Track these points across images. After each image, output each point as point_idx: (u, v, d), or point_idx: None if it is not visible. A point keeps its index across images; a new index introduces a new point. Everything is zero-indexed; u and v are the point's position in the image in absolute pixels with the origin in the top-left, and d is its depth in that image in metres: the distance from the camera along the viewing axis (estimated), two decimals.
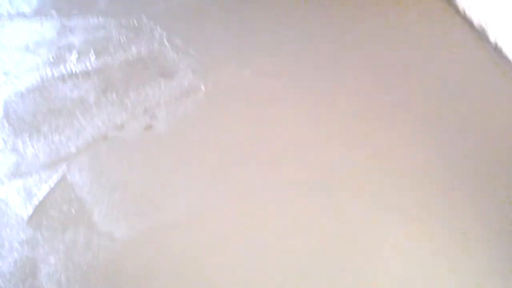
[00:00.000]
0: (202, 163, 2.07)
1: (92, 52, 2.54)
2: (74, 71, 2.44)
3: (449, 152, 2.04)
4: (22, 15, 2.74)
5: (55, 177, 2.00)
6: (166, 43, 2.61)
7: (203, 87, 2.39)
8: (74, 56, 2.51)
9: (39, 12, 2.77)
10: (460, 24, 2.73)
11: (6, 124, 2.19)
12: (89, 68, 2.46)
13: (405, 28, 2.72)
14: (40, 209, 1.89)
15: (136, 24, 2.72)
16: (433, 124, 2.16)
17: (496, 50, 2.52)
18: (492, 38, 2.55)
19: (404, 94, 2.31)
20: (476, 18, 2.69)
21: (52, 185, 1.96)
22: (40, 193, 1.94)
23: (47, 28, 2.67)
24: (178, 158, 2.09)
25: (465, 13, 2.77)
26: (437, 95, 2.30)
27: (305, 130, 2.20)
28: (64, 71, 2.44)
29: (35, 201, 1.91)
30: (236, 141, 2.16)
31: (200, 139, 2.17)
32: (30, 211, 1.89)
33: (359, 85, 2.40)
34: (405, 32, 2.68)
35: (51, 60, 2.49)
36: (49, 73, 2.42)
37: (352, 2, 2.89)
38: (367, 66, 2.49)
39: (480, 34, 2.63)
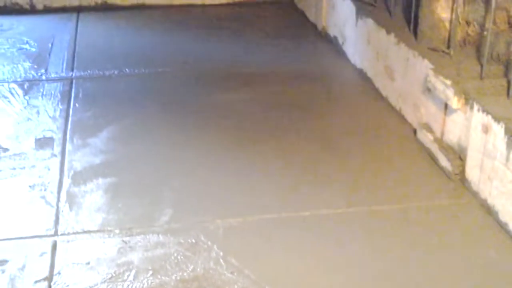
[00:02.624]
0: None
1: (150, 270, 2.60)
2: None
3: None
4: (87, 232, 2.87)
5: None
6: (222, 262, 2.66)
7: None
8: (132, 274, 2.57)
9: (102, 229, 2.89)
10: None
11: None
12: (146, 286, 2.50)
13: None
14: None
15: (194, 242, 2.79)
16: None
17: None
18: None
19: None
20: None
21: None
22: None
23: (109, 245, 2.77)
24: None
25: None
26: None
27: None
28: None
29: None
30: None
31: None
32: None
33: None
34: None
35: (109, 277, 2.55)
36: None
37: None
38: None
39: None
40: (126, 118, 3.99)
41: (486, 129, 2.98)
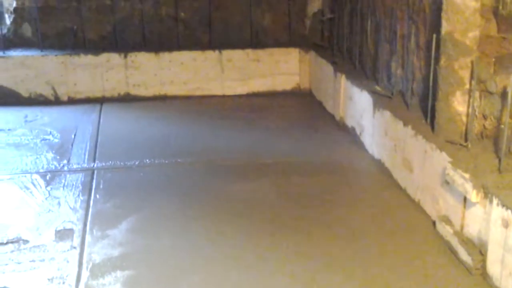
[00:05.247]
0: None
1: None
2: None
3: None
4: None
5: None
6: None
7: None
8: None
9: None
10: None
11: None
12: None
13: None
14: None
15: None
16: None
17: None
18: None
19: None
20: None
21: None
22: None
23: None
24: None
25: None
26: None
27: None
28: None
29: None
30: None
31: None
32: None
33: None
34: None
35: None
36: None
37: None
38: None
39: None
40: (145, 209, 4.02)
41: (506, 224, 2.96)
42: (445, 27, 3.77)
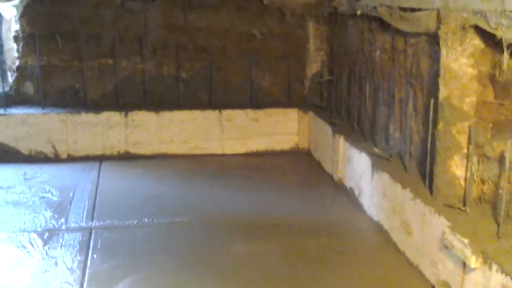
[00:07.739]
0: None
1: None
2: None
3: None
4: None
5: None
6: None
7: None
8: None
9: None
10: None
11: None
12: None
13: None
14: None
15: None
16: None
17: None
18: None
19: None
20: None
21: None
22: None
23: None
24: None
25: None
26: None
27: None
28: None
29: None
30: None
31: None
32: None
33: None
34: None
35: None
36: None
37: None
38: None
39: None
40: (143, 271, 3.99)
41: None
42: (442, 92, 3.84)
